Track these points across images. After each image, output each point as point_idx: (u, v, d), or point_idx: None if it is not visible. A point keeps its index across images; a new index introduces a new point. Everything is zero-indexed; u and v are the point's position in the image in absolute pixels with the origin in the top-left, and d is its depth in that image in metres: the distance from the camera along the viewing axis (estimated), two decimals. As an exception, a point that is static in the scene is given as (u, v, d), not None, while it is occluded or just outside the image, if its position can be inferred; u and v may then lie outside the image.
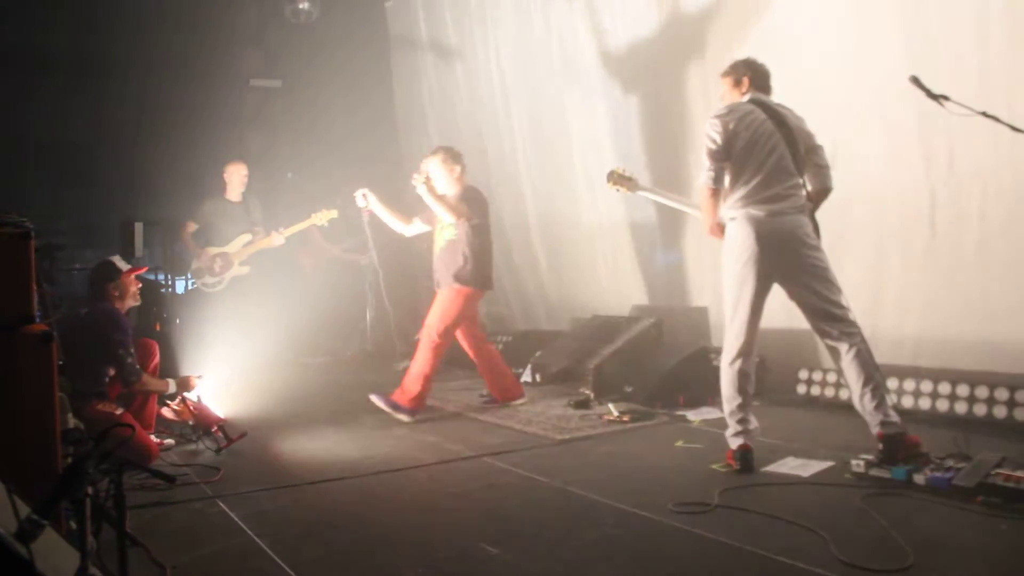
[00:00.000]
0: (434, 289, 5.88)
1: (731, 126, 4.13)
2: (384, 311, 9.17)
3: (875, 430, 3.95)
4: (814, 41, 5.72)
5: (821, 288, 4.05)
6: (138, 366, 4.74)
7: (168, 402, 5.06)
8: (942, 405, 4.92)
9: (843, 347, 4.00)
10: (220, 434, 4.93)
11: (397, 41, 10.21)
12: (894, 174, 5.37)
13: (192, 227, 7.03)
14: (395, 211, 6.02)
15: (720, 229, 4.25)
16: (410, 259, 9.81)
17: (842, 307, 4.05)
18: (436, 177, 5.74)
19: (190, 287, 7.66)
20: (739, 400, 4.14)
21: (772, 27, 5.97)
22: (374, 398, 5.65)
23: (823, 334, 4.09)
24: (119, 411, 4.61)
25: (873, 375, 3.96)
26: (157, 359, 5.16)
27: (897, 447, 3.86)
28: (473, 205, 5.76)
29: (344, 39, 9.97)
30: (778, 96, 4.39)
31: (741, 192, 4.13)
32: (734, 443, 4.15)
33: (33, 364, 2.69)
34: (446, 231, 5.80)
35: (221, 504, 3.83)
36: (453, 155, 5.83)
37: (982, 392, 4.76)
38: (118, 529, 2.38)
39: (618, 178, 4.91)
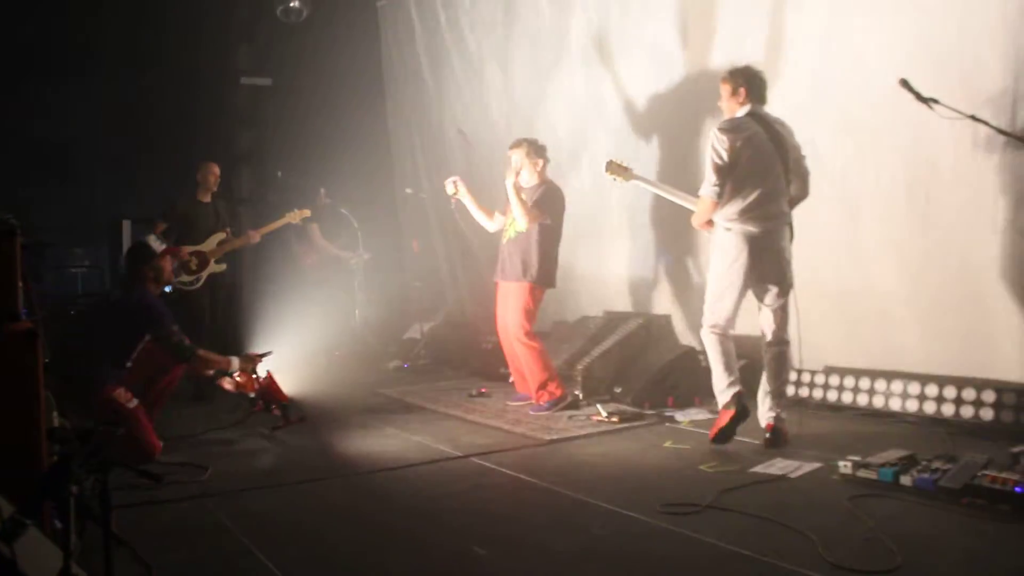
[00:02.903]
0: (494, 280, 6.03)
1: (737, 144, 4.47)
2: (374, 311, 9.20)
3: (768, 419, 4.60)
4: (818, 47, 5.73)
5: (783, 297, 4.65)
6: (187, 343, 4.78)
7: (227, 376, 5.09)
8: (929, 407, 4.94)
9: (779, 348, 4.68)
10: (278, 412, 5.07)
11: (389, 41, 10.19)
12: (882, 176, 5.39)
13: (162, 227, 7.00)
14: (481, 204, 6.15)
15: (710, 224, 4.68)
16: (400, 260, 9.82)
17: (786, 313, 4.69)
18: (518, 167, 5.84)
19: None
20: (735, 375, 4.65)
21: (781, 27, 5.97)
22: (532, 413, 5.70)
23: (770, 335, 4.70)
24: (132, 403, 4.59)
25: (786, 378, 4.74)
26: None
27: (781, 437, 4.54)
28: (548, 204, 5.81)
29: (335, 38, 9.93)
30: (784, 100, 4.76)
31: (739, 206, 4.53)
32: (729, 393, 4.62)
33: (18, 362, 2.67)
34: (516, 224, 5.85)
35: (208, 504, 3.82)
36: (537, 148, 5.90)
37: (969, 394, 4.79)
38: (103, 528, 2.37)
39: (616, 168, 5.21)
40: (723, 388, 4.66)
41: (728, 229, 4.58)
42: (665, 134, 6.82)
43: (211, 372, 5.07)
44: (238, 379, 5.05)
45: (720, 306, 4.65)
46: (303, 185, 9.41)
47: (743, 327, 5.14)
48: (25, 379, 2.68)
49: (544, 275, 5.81)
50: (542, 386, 5.79)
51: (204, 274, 6.91)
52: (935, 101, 4.00)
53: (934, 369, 5.11)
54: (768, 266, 4.57)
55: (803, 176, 4.75)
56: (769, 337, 4.72)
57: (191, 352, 4.79)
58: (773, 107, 4.81)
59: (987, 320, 4.87)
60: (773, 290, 4.64)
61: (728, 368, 4.66)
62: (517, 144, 5.94)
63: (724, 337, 4.67)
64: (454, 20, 9.02)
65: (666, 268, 7.03)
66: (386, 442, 5.08)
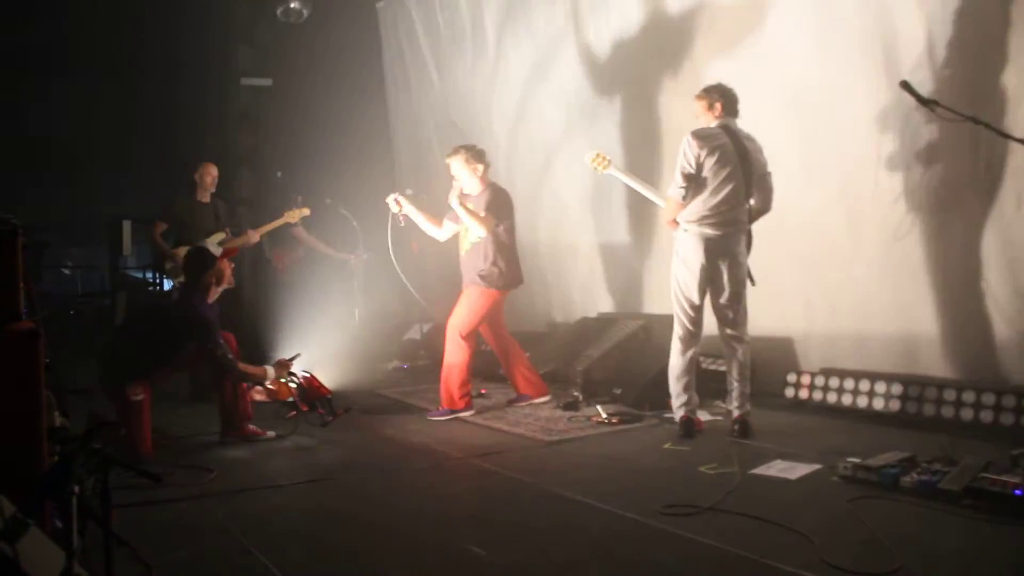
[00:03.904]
0: (460, 288, 5.96)
1: (704, 151, 4.77)
2: (374, 312, 9.19)
3: (736, 413, 4.91)
4: (791, 54, 5.80)
5: (737, 299, 4.90)
6: (230, 356, 4.87)
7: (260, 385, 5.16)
8: (929, 409, 4.94)
9: (736, 347, 4.92)
10: (323, 411, 5.15)
11: (389, 41, 10.19)
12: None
13: (161, 227, 7.00)
14: (428, 215, 6.07)
15: (675, 224, 4.97)
16: (400, 260, 9.80)
17: (744, 315, 4.93)
18: (459, 176, 5.77)
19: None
20: (687, 379, 4.95)
21: (751, 35, 6.05)
22: (432, 418, 5.70)
23: (726, 334, 4.94)
24: (139, 396, 4.67)
25: (747, 375, 4.94)
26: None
27: (748, 428, 4.86)
28: (497, 208, 5.77)
29: (335, 38, 9.94)
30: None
31: (698, 210, 4.82)
32: (678, 413, 4.98)
33: (19, 362, 2.67)
34: (471, 233, 5.82)
35: (208, 504, 3.82)
36: (475, 153, 5.82)
37: (969, 397, 4.79)
38: (104, 528, 2.37)
39: (600, 159, 5.42)
40: (676, 405, 5.01)
41: (686, 231, 4.89)
42: (660, 139, 6.87)
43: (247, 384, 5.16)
44: (270, 387, 5.13)
45: (683, 308, 4.93)
46: (302, 185, 9.41)
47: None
48: (26, 379, 2.68)
49: (504, 278, 5.78)
50: (448, 391, 5.74)
51: None
52: (936, 103, 4.01)
53: (932, 372, 5.14)
54: (723, 268, 4.86)
55: (766, 191, 4.98)
56: (726, 335, 4.96)
57: (233, 365, 4.90)
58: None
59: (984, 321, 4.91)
60: (727, 291, 4.88)
61: (686, 388, 4.96)
62: (454, 152, 5.84)
63: (691, 361, 4.95)
64: (451, 20, 9.03)
65: (666, 269, 7.03)
66: (385, 443, 5.08)
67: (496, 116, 8.57)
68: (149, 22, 9.55)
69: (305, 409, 5.18)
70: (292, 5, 9.58)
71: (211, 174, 7.08)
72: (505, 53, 8.40)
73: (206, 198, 7.05)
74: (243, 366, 5.00)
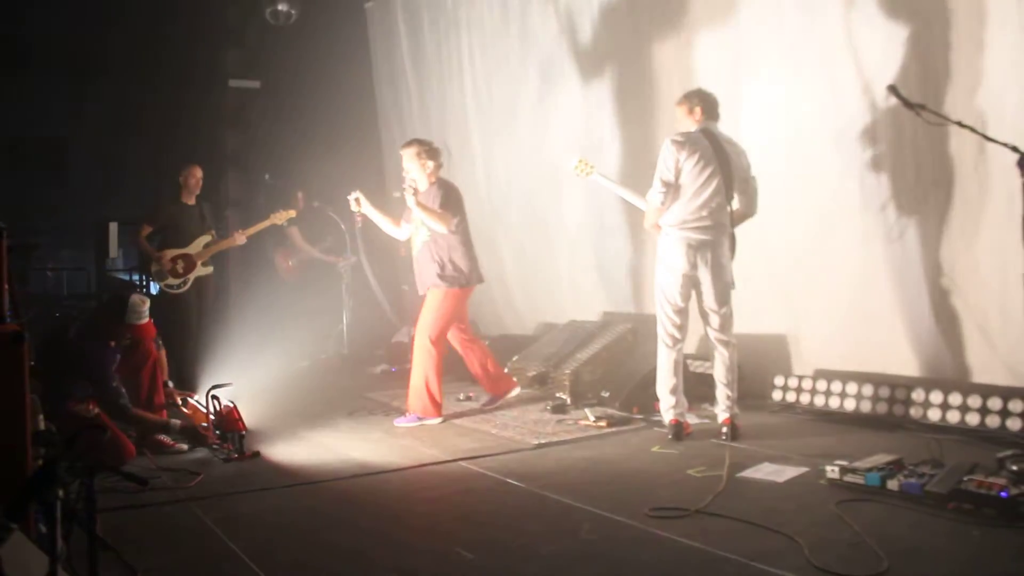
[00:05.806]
0: (419, 293, 5.84)
1: (683, 155, 4.79)
2: (362, 314, 9.17)
3: (723, 416, 4.91)
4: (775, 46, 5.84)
5: (722, 302, 4.90)
6: (121, 402, 4.65)
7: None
8: (916, 412, 4.96)
9: (723, 350, 4.93)
10: (230, 447, 4.82)
11: (377, 42, 10.17)
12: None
13: (147, 230, 6.96)
14: (386, 214, 5.97)
15: (659, 228, 4.99)
16: (392, 263, 9.81)
17: (730, 318, 4.93)
18: (408, 169, 5.69)
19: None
20: (674, 381, 4.95)
21: (736, 24, 6.11)
22: (399, 424, 5.58)
23: (713, 337, 4.96)
24: (93, 412, 4.54)
25: (734, 378, 4.94)
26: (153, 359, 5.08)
27: (735, 431, 4.86)
28: (454, 204, 5.69)
29: (324, 40, 9.92)
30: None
31: (679, 214, 4.85)
32: (667, 417, 4.97)
33: (3, 364, 2.65)
34: (420, 232, 5.74)
35: (194, 507, 3.80)
36: (429, 150, 5.75)
37: (955, 399, 4.80)
38: (88, 532, 2.35)
39: (583, 165, 5.45)
40: (665, 408, 5.00)
41: (668, 235, 4.92)
42: (630, 140, 6.95)
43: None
44: (185, 410, 4.94)
45: (667, 312, 4.95)
46: (290, 187, 9.39)
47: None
48: (11, 382, 2.66)
49: (464, 276, 5.70)
50: (419, 397, 5.60)
51: (191, 277, 6.88)
52: (923, 107, 4.03)
53: (921, 373, 5.16)
54: (707, 272, 4.87)
55: (750, 195, 5.02)
56: (712, 338, 4.98)
57: (123, 412, 4.66)
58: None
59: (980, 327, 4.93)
60: (712, 294, 4.89)
61: (673, 391, 4.96)
62: (408, 144, 5.80)
63: (676, 362, 4.97)
64: (437, 20, 9.02)
65: (654, 271, 7.05)
66: (373, 446, 5.06)
67: (481, 118, 8.56)
68: (137, 24, 9.51)
69: (217, 441, 4.88)
70: (280, 7, 9.56)
71: (195, 176, 7.04)
72: (490, 55, 8.39)
73: (191, 200, 7.02)
74: (139, 412, 4.78)
